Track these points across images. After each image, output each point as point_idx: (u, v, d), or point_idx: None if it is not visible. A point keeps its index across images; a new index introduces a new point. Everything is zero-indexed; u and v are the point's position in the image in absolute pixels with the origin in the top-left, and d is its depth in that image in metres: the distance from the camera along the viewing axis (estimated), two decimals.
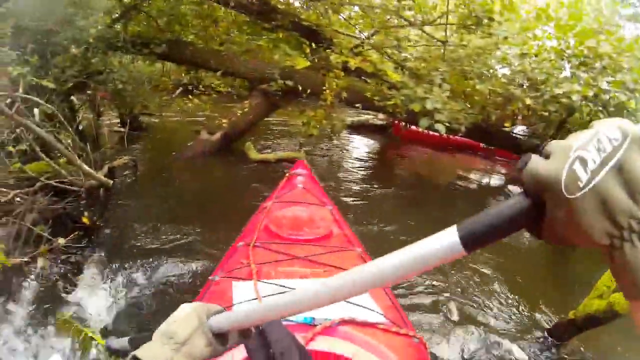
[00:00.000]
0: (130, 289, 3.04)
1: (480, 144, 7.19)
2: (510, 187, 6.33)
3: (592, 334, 2.79)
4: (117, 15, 5.76)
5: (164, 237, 3.79)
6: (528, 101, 5.38)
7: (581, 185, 0.35)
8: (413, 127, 7.82)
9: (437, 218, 4.80)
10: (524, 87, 5.53)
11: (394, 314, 1.50)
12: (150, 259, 3.39)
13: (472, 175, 6.95)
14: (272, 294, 1.40)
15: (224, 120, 5.74)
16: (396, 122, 8.06)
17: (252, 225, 2.18)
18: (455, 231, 0.42)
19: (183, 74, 7.26)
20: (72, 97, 5.76)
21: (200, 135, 5.85)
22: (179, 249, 3.62)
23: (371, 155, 7.64)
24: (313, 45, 6.00)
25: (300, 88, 5.34)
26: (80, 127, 5.34)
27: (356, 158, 6.97)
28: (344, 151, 7.34)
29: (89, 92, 5.43)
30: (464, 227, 0.41)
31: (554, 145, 0.38)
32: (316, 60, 5.70)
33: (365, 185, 5.62)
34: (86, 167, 3.27)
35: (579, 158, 0.35)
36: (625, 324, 2.58)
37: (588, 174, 0.35)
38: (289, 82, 5.43)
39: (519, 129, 6.37)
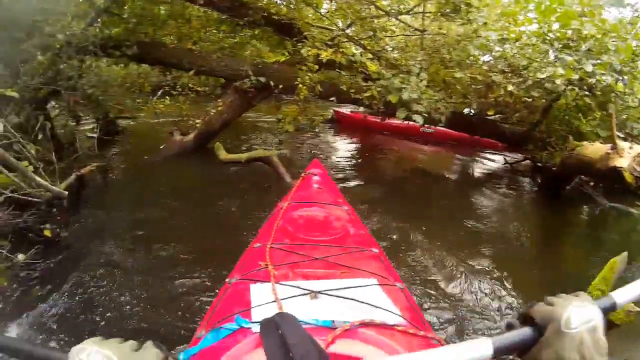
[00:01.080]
0: (96, 304, 2.82)
1: (421, 129, 7.19)
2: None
3: None
4: (89, 20, 5.56)
5: (135, 246, 3.58)
6: (510, 87, 5.18)
7: (573, 327, 0.60)
8: (349, 113, 8.02)
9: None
10: (506, 73, 5.33)
11: (412, 316, 1.46)
12: (122, 271, 3.17)
13: (443, 164, 6.76)
14: (291, 296, 1.40)
15: (197, 120, 5.53)
16: (336, 110, 8.30)
17: (268, 226, 2.15)
18: (490, 345, 0.61)
19: (166, 75, 7.09)
20: (49, 105, 5.62)
21: (172, 137, 5.65)
22: (154, 257, 3.42)
23: (347, 147, 7.41)
24: (290, 40, 5.80)
25: (272, 84, 5.14)
26: (52, 135, 5.18)
27: (335, 152, 6.70)
28: (320, 146, 7.03)
29: (63, 98, 5.26)
30: (500, 340, 0.62)
31: (554, 299, 0.65)
32: (289, 54, 5.50)
33: (357, 181, 5.41)
34: (38, 179, 3.07)
35: (574, 313, 0.61)
36: (622, 335, 2.34)
37: (578, 323, 0.60)
38: (262, 79, 5.23)
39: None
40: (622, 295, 0.72)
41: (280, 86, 5.14)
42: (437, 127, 6.26)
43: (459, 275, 3.41)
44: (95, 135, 6.19)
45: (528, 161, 6.16)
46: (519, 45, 5.49)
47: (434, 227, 4.29)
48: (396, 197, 5.01)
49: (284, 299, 1.37)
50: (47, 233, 3.35)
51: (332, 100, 5.18)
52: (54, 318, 2.68)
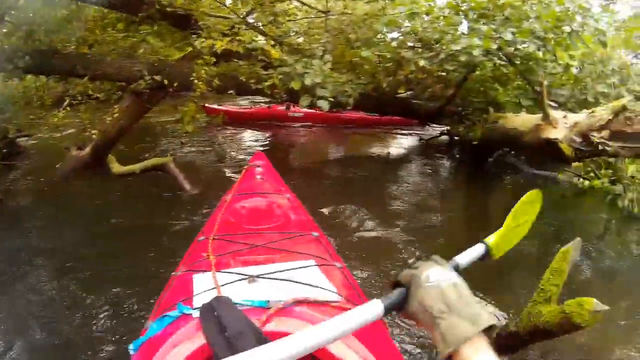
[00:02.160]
0: None
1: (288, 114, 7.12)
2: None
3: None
4: None
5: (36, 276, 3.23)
6: (422, 62, 4.96)
7: (431, 281, 0.69)
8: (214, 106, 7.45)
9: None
10: (416, 48, 5.12)
11: (349, 292, 1.54)
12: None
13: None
14: (231, 281, 1.45)
15: (93, 131, 5.05)
16: (203, 105, 6.54)
17: (212, 220, 2.23)
18: (380, 303, 0.70)
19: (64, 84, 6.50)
20: None
21: (69, 152, 5.14)
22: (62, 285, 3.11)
23: (251, 142, 7.09)
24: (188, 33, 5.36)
25: (166, 82, 4.72)
26: None
27: (240, 149, 6.36)
28: (224, 144, 6.65)
29: None
30: (385, 300, 0.72)
31: (420, 263, 0.74)
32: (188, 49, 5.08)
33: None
34: None
35: (432, 272, 0.71)
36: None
37: (436, 279, 0.69)
38: (157, 77, 4.80)
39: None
40: (462, 258, 0.87)
41: (175, 84, 4.73)
42: (306, 110, 6.01)
43: (392, 250, 3.52)
44: None
45: (445, 136, 6.01)
46: (430, 19, 5.29)
47: (359, 208, 4.21)
48: (315, 184, 4.82)
49: (223, 285, 1.42)
50: None
51: (231, 93, 4.82)
52: None
